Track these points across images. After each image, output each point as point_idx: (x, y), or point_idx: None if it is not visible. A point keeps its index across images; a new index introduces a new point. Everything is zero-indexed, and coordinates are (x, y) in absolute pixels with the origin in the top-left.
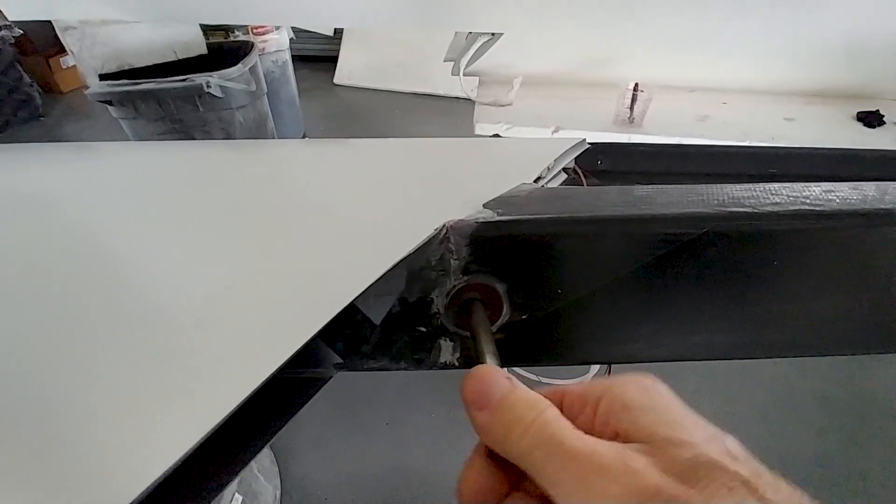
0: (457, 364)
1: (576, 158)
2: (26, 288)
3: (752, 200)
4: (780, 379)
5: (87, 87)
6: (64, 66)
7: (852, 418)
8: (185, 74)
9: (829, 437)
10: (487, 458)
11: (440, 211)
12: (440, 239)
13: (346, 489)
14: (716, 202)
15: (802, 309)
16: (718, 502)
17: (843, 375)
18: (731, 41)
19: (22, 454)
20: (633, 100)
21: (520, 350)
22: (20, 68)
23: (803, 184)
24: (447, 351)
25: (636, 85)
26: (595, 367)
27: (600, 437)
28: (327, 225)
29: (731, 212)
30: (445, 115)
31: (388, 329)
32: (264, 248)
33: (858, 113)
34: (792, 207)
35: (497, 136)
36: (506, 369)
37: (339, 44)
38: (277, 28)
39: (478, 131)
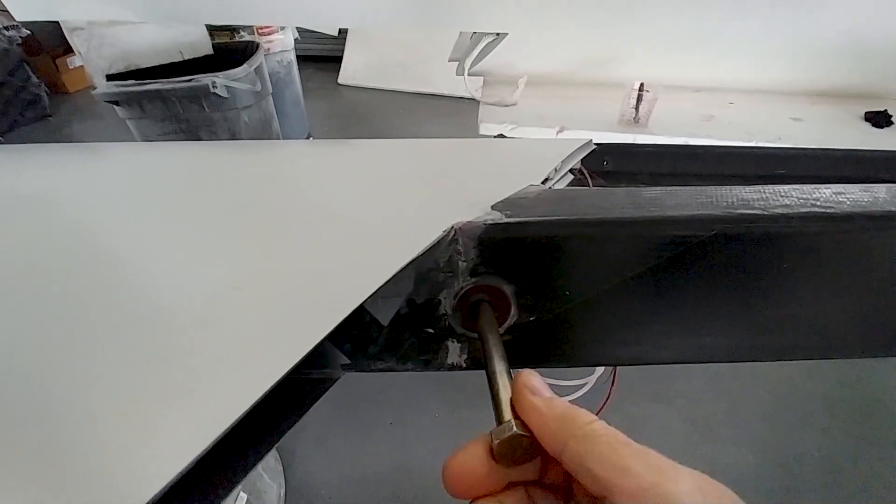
0: (464, 365)
1: (582, 159)
2: (33, 288)
3: (762, 202)
4: (786, 380)
5: (94, 88)
6: (71, 67)
7: (857, 419)
8: (190, 75)
9: (834, 439)
10: (485, 451)
11: (448, 212)
12: (449, 240)
13: (350, 488)
14: (725, 204)
15: (811, 311)
16: None
17: (848, 377)
18: (737, 41)
19: (32, 458)
20: (639, 100)
21: (527, 351)
22: (28, 68)
23: (813, 185)
24: (454, 352)
25: (641, 85)
26: (600, 369)
27: None
28: (335, 226)
29: (741, 214)
30: (450, 115)
31: (395, 330)
32: (272, 250)
33: (866, 113)
34: (802, 210)
35: (502, 136)
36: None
37: (344, 44)
38: (282, 28)
39: (482, 131)
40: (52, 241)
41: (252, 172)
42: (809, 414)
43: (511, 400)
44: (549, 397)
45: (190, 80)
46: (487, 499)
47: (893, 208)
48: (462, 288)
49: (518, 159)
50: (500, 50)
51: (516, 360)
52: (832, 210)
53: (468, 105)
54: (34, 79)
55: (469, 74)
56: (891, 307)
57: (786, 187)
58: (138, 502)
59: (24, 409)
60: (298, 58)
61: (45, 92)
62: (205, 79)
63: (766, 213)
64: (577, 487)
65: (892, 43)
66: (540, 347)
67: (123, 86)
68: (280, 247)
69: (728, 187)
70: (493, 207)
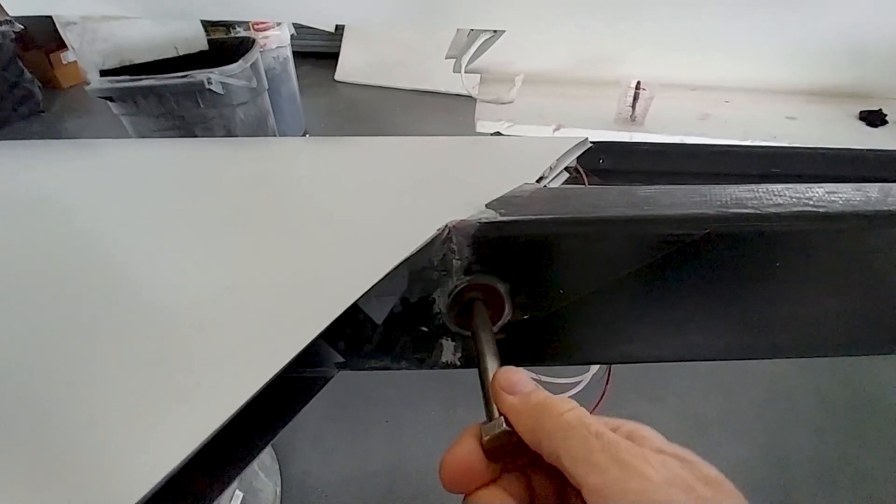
0: (458, 364)
1: (578, 157)
2: (22, 287)
3: (755, 202)
4: (780, 377)
5: (87, 83)
6: (65, 62)
7: (851, 417)
8: (185, 71)
9: (828, 436)
10: (478, 444)
11: (442, 211)
12: (443, 239)
13: (346, 486)
14: (718, 203)
15: (804, 310)
16: None
17: (841, 374)
18: (733, 40)
19: (26, 457)
20: (635, 98)
21: (521, 350)
22: (21, 64)
23: (806, 185)
24: (448, 350)
25: (638, 83)
26: (595, 367)
27: None
28: (329, 225)
29: (734, 213)
30: (446, 112)
31: (389, 329)
32: (266, 249)
33: (861, 112)
34: (795, 209)
35: (498, 133)
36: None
37: (341, 40)
38: (279, 24)
39: (479, 129)
40: (45, 240)
41: (247, 171)
42: (802, 412)
43: None
44: (527, 392)
45: (185, 77)
46: (488, 487)
47: (885, 207)
48: (456, 286)
49: (513, 157)
50: (496, 47)
51: (510, 359)
52: (825, 209)
53: (465, 102)
54: (27, 74)
55: (466, 72)
56: (882, 305)
57: (779, 186)
58: (131, 500)
59: (18, 408)
60: (295, 54)
61: (39, 87)
62: (200, 75)
63: (759, 212)
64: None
65: (887, 43)
66: (534, 346)
67: (117, 81)
68: (274, 245)
69: (722, 186)
70: (487, 206)
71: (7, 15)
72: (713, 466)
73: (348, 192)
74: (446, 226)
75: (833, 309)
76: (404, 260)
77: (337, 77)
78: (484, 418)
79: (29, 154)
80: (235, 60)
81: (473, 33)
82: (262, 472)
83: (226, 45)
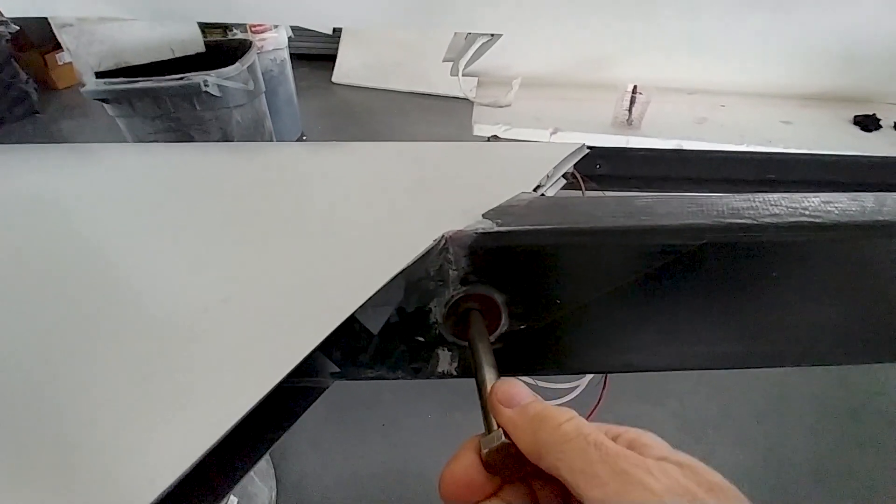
0: (454, 374)
1: (575, 163)
2: (23, 293)
3: (752, 211)
4: (776, 380)
5: (83, 85)
6: (60, 63)
7: (847, 420)
8: (182, 73)
9: (823, 438)
10: (478, 458)
11: (439, 220)
12: (439, 249)
13: (343, 490)
14: (715, 213)
15: (800, 320)
16: None
17: (837, 377)
18: (730, 44)
19: (20, 472)
20: (632, 102)
21: (518, 359)
22: (16, 65)
23: (802, 194)
24: (445, 360)
25: (635, 87)
26: (589, 375)
27: None
28: (326, 234)
29: (730, 223)
30: (444, 114)
31: (385, 339)
32: (261, 259)
33: (855, 117)
34: (791, 219)
35: (496, 136)
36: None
37: (338, 42)
38: (276, 27)
39: (476, 132)
40: (42, 246)
41: (243, 179)
42: (800, 415)
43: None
44: (525, 404)
45: (181, 79)
46: (489, 500)
47: (881, 217)
48: (452, 297)
49: (511, 164)
50: (494, 51)
51: (507, 368)
52: (821, 219)
53: (463, 105)
54: (22, 75)
55: (463, 75)
56: (878, 315)
57: (775, 196)
58: None
59: (8, 421)
60: (292, 56)
61: (34, 88)
62: (196, 77)
63: (755, 222)
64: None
65: (882, 48)
66: (531, 355)
67: (113, 83)
68: (270, 256)
69: (718, 196)
70: (484, 216)
71: (2, 16)
72: (717, 472)
73: (345, 200)
74: (443, 236)
75: (829, 318)
76: (401, 271)
77: (334, 79)
78: (482, 428)
79: (25, 158)
80: (232, 63)
81: (471, 36)
82: (257, 476)
83: (223, 48)
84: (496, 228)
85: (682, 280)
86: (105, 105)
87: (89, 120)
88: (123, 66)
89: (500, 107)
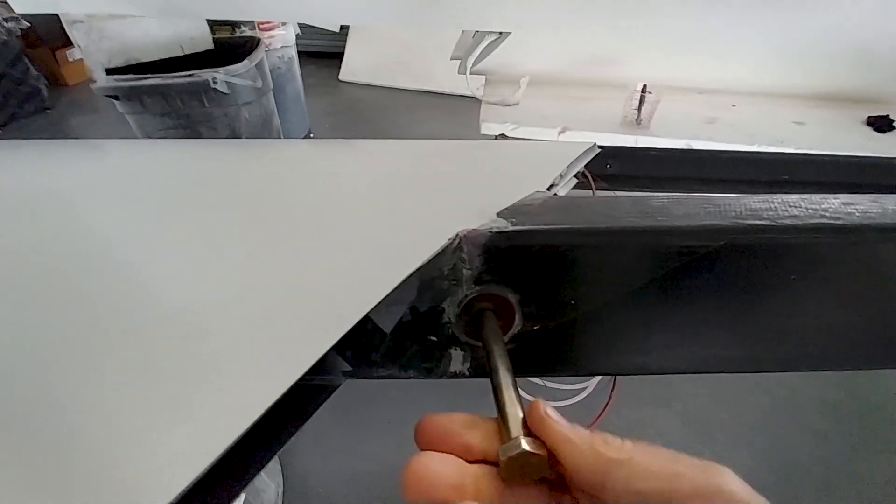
0: (467, 374)
1: (586, 163)
2: (29, 288)
3: (770, 213)
4: (783, 383)
5: (93, 81)
6: (70, 59)
7: (855, 424)
8: (191, 70)
9: (831, 442)
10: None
11: (452, 219)
12: (453, 248)
13: (348, 486)
14: (733, 214)
15: (818, 323)
16: None
17: (845, 380)
18: (740, 43)
19: (26, 476)
20: (641, 101)
21: (531, 360)
22: (27, 61)
23: (821, 196)
24: (457, 360)
25: (644, 86)
26: (598, 376)
27: None
28: (338, 233)
29: (749, 224)
30: (451, 113)
31: (398, 338)
32: (273, 258)
33: (868, 117)
34: (811, 221)
35: (503, 135)
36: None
37: (345, 40)
38: (284, 24)
39: (484, 131)
40: (50, 241)
41: (253, 176)
42: (807, 418)
43: (523, 419)
44: (572, 425)
45: (190, 76)
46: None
47: None
48: (466, 296)
49: (522, 163)
50: (502, 49)
51: (520, 369)
52: (841, 221)
53: (470, 104)
54: (33, 71)
55: (471, 73)
56: None
57: (794, 197)
58: None
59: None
60: (299, 54)
61: (45, 84)
62: (205, 74)
63: (775, 223)
64: (574, 486)
65: (895, 48)
66: (544, 356)
67: (123, 80)
68: (282, 255)
69: (736, 196)
70: (498, 215)
71: (13, 12)
72: None
73: (356, 198)
74: (457, 235)
75: (849, 322)
76: (416, 270)
77: (341, 77)
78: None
79: (36, 154)
80: (241, 60)
81: (479, 35)
82: (264, 472)
83: (231, 45)
84: (511, 228)
85: (698, 282)
86: (115, 101)
87: (99, 116)
88: (133, 62)
89: (508, 105)
